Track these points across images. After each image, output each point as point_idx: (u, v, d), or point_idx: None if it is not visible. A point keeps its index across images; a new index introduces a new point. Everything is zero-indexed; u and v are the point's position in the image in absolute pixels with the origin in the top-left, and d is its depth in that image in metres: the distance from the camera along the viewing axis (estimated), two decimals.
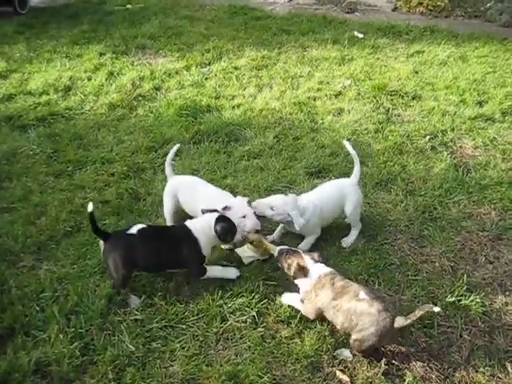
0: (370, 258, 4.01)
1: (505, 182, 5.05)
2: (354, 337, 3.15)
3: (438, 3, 10.87)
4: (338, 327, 3.28)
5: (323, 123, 6.02)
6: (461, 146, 5.74)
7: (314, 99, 6.60)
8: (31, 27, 8.87)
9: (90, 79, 6.89)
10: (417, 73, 7.56)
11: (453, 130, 6.00)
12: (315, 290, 3.30)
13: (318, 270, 3.39)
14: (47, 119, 5.86)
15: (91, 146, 5.34)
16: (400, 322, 3.06)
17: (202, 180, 4.27)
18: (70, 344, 3.18)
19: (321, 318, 3.38)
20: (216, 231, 3.57)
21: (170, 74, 7.11)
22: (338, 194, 4.21)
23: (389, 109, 6.45)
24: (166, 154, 5.12)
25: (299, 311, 3.46)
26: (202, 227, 3.60)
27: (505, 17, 10.23)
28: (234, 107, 6.26)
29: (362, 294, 3.15)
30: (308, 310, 3.39)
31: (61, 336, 3.21)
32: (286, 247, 3.60)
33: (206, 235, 3.58)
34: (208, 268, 3.66)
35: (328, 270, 3.40)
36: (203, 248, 3.58)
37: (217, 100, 6.42)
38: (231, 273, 3.75)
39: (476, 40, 8.95)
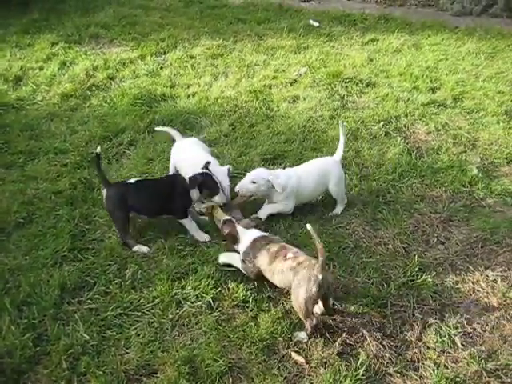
0: (325, 242, 4.04)
1: (456, 166, 5.18)
2: (292, 298, 3.31)
3: None
4: (279, 286, 3.50)
5: (279, 110, 6.06)
6: (414, 132, 5.85)
7: (270, 87, 6.61)
8: None
9: (41, 69, 6.73)
10: (371, 60, 7.65)
11: (406, 115, 6.11)
12: (253, 252, 3.51)
13: (250, 235, 3.63)
14: None
15: (44, 136, 5.23)
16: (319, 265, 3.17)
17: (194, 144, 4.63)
18: (22, 335, 3.13)
19: (261, 278, 3.54)
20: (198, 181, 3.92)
21: (124, 64, 7.01)
22: (320, 170, 4.42)
23: (344, 96, 6.51)
24: (120, 144, 5.16)
25: (254, 294, 3.51)
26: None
27: (456, 6, 10.42)
28: (189, 96, 6.23)
29: (289, 254, 3.36)
30: (249, 270, 3.56)
31: (12, 328, 3.17)
32: (228, 217, 3.79)
33: None
34: (189, 219, 4.02)
35: (261, 234, 3.66)
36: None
37: (172, 89, 6.37)
38: (202, 236, 4.03)
39: (429, 28, 9.10)
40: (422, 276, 3.80)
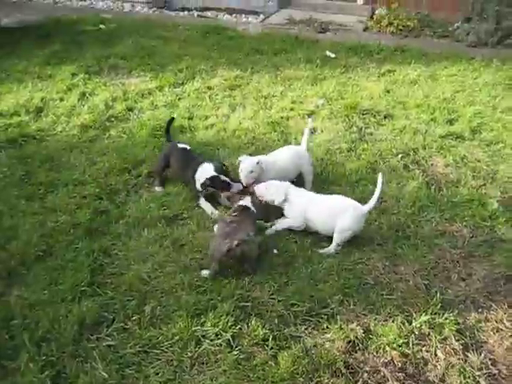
0: (345, 278, 4.02)
1: (475, 200, 5.13)
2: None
3: (408, 23, 11.07)
4: None
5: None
6: (432, 164, 5.83)
7: (288, 119, 6.64)
8: (1, 47, 8.73)
9: (62, 100, 6.81)
10: (388, 92, 7.67)
11: (424, 148, 6.10)
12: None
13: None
14: (18, 141, 5.76)
15: (63, 167, 5.27)
16: None
17: None
18: (41, 373, 3.10)
19: None
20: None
21: (143, 95, 7.09)
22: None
23: (361, 128, 6.52)
24: (139, 176, 5.18)
25: (274, 332, 3.47)
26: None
27: (471, 37, 10.47)
28: (207, 127, 6.27)
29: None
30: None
31: (31, 365, 3.13)
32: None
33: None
34: (201, 200, 4.78)
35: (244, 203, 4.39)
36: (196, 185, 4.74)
37: (190, 120, 6.42)
38: (211, 211, 4.71)
39: (445, 59, 9.14)
40: (443, 314, 3.73)
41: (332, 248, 4.37)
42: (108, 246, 4.16)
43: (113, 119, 6.39)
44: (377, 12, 11.91)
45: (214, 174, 4.63)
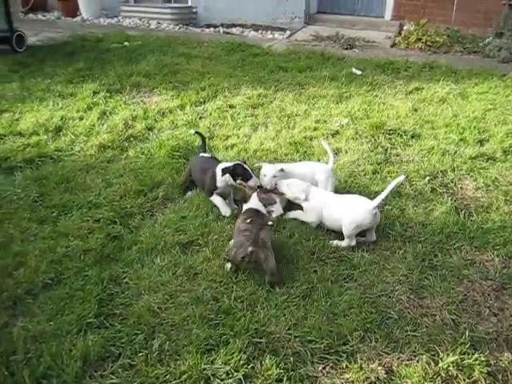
0: (367, 312, 3.77)
1: (508, 226, 4.83)
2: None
3: (437, 39, 10.84)
4: None
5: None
6: (461, 187, 5.55)
7: (311, 139, 6.44)
8: (26, 66, 8.80)
9: (81, 119, 6.73)
10: (416, 110, 7.43)
11: (453, 170, 5.83)
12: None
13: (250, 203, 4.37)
14: (35, 161, 5.65)
15: (78, 189, 5.14)
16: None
17: None
18: None
19: None
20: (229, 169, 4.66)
21: (163, 114, 6.98)
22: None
23: (387, 148, 6.28)
24: (155, 199, 5.03)
25: (288, 372, 3.24)
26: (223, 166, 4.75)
27: (503, 53, 10.17)
28: (227, 148, 6.10)
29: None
30: None
31: None
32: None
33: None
34: (215, 196, 4.82)
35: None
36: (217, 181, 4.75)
37: (210, 140, 6.27)
38: (225, 210, 4.79)
39: (475, 76, 8.86)
40: (473, 354, 3.45)
41: (344, 242, 4.48)
42: (119, 273, 4.00)
43: (132, 139, 6.27)
44: (405, 28, 11.70)
45: (240, 162, 4.70)
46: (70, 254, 4.18)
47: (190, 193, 5.19)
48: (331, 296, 3.93)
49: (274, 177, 4.81)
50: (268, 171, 4.83)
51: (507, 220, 4.95)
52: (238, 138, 6.37)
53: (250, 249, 3.81)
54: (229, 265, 4.08)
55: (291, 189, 4.72)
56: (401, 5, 12.22)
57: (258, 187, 4.62)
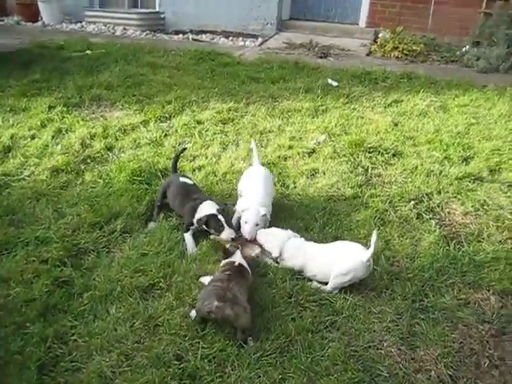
0: (353, 370, 3.29)
1: (502, 258, 4.42)
2: None
3: (414, 47, 10.49)
4: None
5: (295, 187, 5.37)
6: (449, 212, 5.14)
7: (285, 159, 5.94)
8: None
9: (33, 138, 6.06)
10: (396, 125, 7.01)
11: (439, 192, 5.41)
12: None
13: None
14: None
15: (26, 222, 4.53)
16: None
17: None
18: None
19: None
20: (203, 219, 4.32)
21: (125, 131, 6.38)
22: None
23: (367, 168, 5.84)
24: (112, 232, 4.46)
25: None
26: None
27: (482, 62, 9.86)
28: (194, 170, 5.56)
29: None
30: None
31: None
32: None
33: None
34: (188, 234, 4.44)
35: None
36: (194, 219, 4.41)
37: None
38: (191, 251, 4.33)
39: (455, 87, 8.52)
40: None
41: (327, 288, 3.98)
42: (66, 329, 3.43)
43: (89, 160, 5.67)
44: (380, 35, 11.34)
45: (215, 212, 4.31)
46: (10, 305, 3.59)
47: (152, 224, 4.66)
48: (312, 350, 3.44)
49: (257, 225, 4.32)
50: (250, 218, 4.33)
51: (500, 250, 4.56)
52: (207, 158, 5.84)
53: (215, 303, 3.33)
54: (193, 313, 3.56)
55: (268, 240, 4.22)
56: (376, 12, 11.85)
57: (232, 239, 4.22)
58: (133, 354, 3.30)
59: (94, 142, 6.06)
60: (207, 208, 4.37)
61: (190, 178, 4.95)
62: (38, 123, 6.38)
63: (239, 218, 4.49)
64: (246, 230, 4.32)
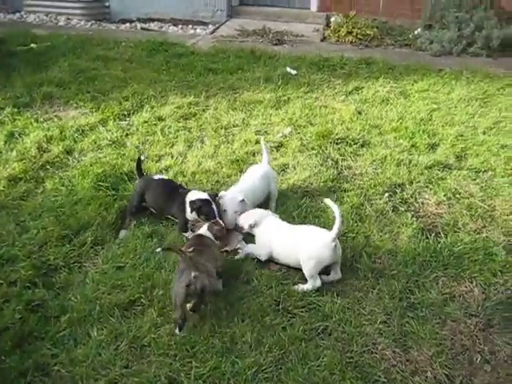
0: (351, 379, 3.21)
1: (480, 248, 4.43)
2: None
3: (367, 32, 10.46)
4: None
5: None
6: (423, 203, 5.13)
7: (253, 154, 5.78)
8: None
9: None
10: (360, 113, 6.95)
11: (411, 182, 5.40)
12: None
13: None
14: None
15: None
16: None
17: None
18: None
19: None
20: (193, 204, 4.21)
21: (83, 132, 6.04)
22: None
23: (337, 160, 5.76)
24: (83, 245, 4.20)
25: None
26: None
27: (435, 46, 9.93)
28: (161, 171, 5.32)
29: None
30: None
31: None
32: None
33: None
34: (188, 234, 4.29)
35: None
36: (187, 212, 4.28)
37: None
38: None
39: (413, 72, 8.54)
40: None
41: (308, 285, 3.91)
42: (46, 359, 3.19)
43: (48, 166, 5.33)
44: (332, 20, 11.26)
45: (208, 198, 4.25)
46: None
47: (123, 232, 4.45)
48: (307, 360, 3.34)
49: (235, 212, 4.32)
50: (228, 206, 4.32)
51: (477, 240, 4.56)
52: (172, 157, 5.61)
53: (193, 274, 3.32)
54: (177, 330, 3.42)
55: (247, 220, 4.25)
56: None
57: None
58: (122, 380, 3.11)
59: (52, 145, 5.72)
60: (197, 194, 4.29)
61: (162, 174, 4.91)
62: None
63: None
64: (226, 219, 4.28)
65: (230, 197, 4.37)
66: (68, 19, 11.90)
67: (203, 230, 3.98)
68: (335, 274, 4.02)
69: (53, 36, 9.62)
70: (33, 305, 3.59)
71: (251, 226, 4.20)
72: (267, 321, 3.58)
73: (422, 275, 4.13)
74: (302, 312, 3.70)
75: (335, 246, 3.89)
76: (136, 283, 3.81)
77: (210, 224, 4.00)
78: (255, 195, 4.62)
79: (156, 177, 4.67)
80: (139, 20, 12.10)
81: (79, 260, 4.10)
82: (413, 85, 7.98)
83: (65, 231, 4.30)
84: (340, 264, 4.02)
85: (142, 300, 3.70)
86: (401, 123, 6.65)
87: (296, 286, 3.93)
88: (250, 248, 4.23)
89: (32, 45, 8.97)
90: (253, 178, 4.70)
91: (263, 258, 4.14)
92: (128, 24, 11.92)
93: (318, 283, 3.91)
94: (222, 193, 4.50)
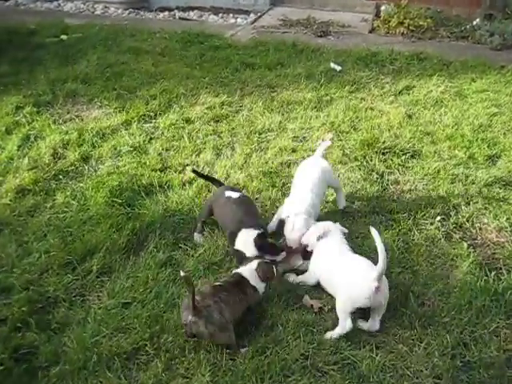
0: None
1: None
2: None
3: (421, 23, 9.61)
4: None
5: None
6: (481, 229, 4.45)
7: (289, 165, 5.18)
8: None
9: None
10: (410, 117, 6.25)
11: (467, 203, 4.71)
12: None
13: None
14: None
15: None
16: None
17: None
18: None
19: None
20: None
21: (103, 135, 5.55)
22: None
23: (383, 173, 5.11)
24: (87, 274, 3.72)
25: None
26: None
27: (496, 39, 9.02)
28: (184, 185, 4.78)
29: None
30: None
31: None
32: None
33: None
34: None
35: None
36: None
37: (162, 174, 4.91)
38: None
39: (471, 69, 7.72)
40: None
41: (337, 329, 3.34)
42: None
43: (61, 176, 4.85)
44: (382, 9, 10.43)
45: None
46: None
47: (198, 236, 4.18)
48: None
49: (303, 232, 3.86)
50: (298, 227, 3.85)
51: None
52: (198, 168, 5.06)
53: (190, 318, 3.03)
54: None
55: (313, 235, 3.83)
56: None
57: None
58: None
59: (68, 151, 5.25)
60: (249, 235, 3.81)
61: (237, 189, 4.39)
62: (3, 129, 5.55)
63: (281, 221, 4.08)
64: (292, 238, 3.87)
65: (301, 219, 3.87)
66: (105, 7, 11.46)
67: (249, 268, 3.48)
68: (373, 324, 3.41)
69: (85, 26, 9.17)
70: (22, 353, 3.10)
71: (320, 238, 3.75)
72: (291, 382, 3.01)
73: (480, 324, 3.48)
74: (333, 370, 3.11)
75: (377, 288, 3.26)
76: (142, 326, 3.30)
77: (260, 262, 3.49)
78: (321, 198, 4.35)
79: (229, 192, 4.10)
80: (178, 8, 11.56)
81: (82, 292, 3.61)
82: (470, 84, 7.18)
83: (69, 257, 3.81)
84: (383, 312, 3.39)
85: (147, 348, 3.18)
86: (456, 130, 5.92)
87: (327, 334, 3.34)
88: (302, 278, 3.81)
89: (62, 36, 8.55)
90: (314, 183, 4.21)
91: (310, 281, 3.74)
92: (167, 12, 11.41)
93: (348, 326, 3.32)
94: (286, 211, 4.05)
